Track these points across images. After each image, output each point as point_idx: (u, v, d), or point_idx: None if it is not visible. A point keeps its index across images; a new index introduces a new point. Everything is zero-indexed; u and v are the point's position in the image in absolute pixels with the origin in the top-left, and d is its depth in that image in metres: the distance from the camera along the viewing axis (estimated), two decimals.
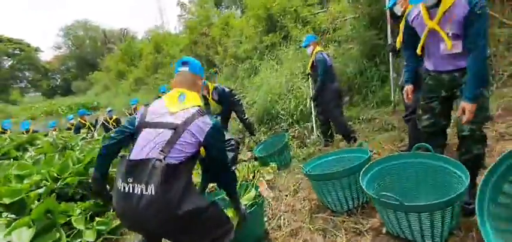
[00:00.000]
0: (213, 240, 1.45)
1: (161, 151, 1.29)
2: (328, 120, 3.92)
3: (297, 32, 7.15)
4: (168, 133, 1.34)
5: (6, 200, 2.58)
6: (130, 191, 1.25)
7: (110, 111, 7.69)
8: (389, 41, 3.91)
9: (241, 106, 4.85)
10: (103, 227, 2.50)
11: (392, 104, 4.36)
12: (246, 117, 4.85)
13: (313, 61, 3.77)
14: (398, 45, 2.78)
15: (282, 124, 5.12)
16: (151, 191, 1.22)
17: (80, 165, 3.02)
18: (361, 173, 1.94)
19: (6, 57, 29.57)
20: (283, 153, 3.78)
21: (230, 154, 3.20)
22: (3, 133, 7.62)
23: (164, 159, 1.28)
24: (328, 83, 3.68)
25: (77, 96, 27.61)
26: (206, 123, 1.40)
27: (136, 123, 1.46)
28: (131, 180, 1.26)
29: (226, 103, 4.66)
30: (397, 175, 2.02)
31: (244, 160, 3.47)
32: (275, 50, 7.93)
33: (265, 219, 2.45)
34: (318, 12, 7.92)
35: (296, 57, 6.41)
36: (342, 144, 3.83)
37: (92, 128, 7.01)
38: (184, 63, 1.61)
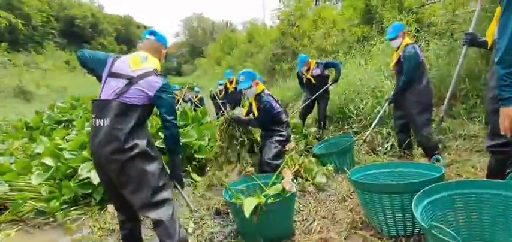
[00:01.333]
0: (148, 198, 1.56)
1: (117, 94, 1.56)
2: (408, 127, 3.19)
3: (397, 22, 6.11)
4: (124, 82, 1.59)
5: None
6: (96, 125, 1.54)
7: (197, 90, 8.60)
8: (472, 27, 2.38)
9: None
10: None
11: None
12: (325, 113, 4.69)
13: (400, 55, 3.07)
14: (489, 38, 1.78)
15: (354, 125, 4.52)
16: (105, 122, 1.51)
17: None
18: (420, 193, 1.45)
19: (140, 40, 37.46)
20: (345, 155, 3.35)
21: (276, 148, 2.97)
22: None
23: (117, 98, 1.55)
24: (416, 83, 2.96)
25: (184, 77, 32.40)
26: (157, 81, 1.62)
27: (105, 69, 1.69)
28: (95, 116, 1.56)
29: (323, 82, 4.56)
30: (476, 207, 1.41)
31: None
32: (367, 43, 7.08)
33: (295, 219, 2.19)
34: (430, 3, 6.57)
35: (386, 51, 5.52)
36: (423, 160, 3.06)
37: (182, 102, 8.04)
38: (152, 33, 1.84)
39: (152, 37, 1.82)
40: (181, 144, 1.87)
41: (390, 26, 3.29)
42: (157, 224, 1.56)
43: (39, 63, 16.95)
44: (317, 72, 4.57)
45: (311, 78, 4.60)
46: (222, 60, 19.70)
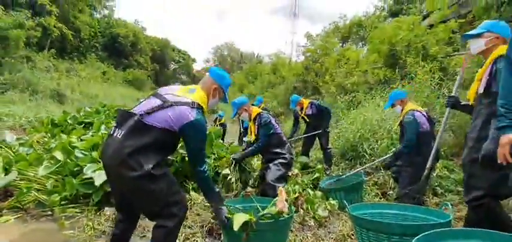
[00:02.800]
0: (157, 212, 1.56)
1: (144, 111, 1.52)
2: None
3: (418, 70, 5.97)
4: (158, 102, 1.57)
5: None
6: (113, 133, 1.54)
7: (220, 115, 8.82)
8: (454, 90, 2.33)
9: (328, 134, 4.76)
10: None
11: None
12: (329, 147, 4.71)
13: (401, 121, 2.98)
14: (471, 97, 1.89)
15: (366, 165, 4.31)
16: (120, 134, 1.49)
17: None
18: (420, 236, 1.32)
19: (173, 62, 39.59)
20: (354, 193, 3.21)
21: (280, 171, 2.91)
22: None
23: (141, 116, 1.49)
24: (413, 155, 2.78)
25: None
26: (188, 114, 1.53)
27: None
28: (116, 125, 1.56)
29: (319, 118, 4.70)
30: None
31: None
32: (388, 86, 6.96)
33: None
34: (455, 54, 6.41)
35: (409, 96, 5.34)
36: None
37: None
38: (208, 70, 1.93)
39: (207, 73, 1.86)
40: (211, 181, 1.80)
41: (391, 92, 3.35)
42: (157, 226, 1.58)
43: (78, 71, 18.43)
44: (309, 111, 4.75)
45: (305, 117, 4.80)
46: (245, 88, 20.21)
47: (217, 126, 8.16)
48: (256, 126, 3.06)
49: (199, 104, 1.61)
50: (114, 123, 1.60)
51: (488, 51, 1.81)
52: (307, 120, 4.82)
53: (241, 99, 3.24)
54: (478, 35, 1.89)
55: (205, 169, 1.66)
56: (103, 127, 4.39)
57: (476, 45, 1.91)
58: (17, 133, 6.12)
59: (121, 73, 25.93)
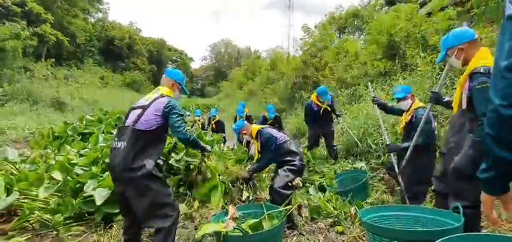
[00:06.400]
0: (152, 211, 1.86)
1: (133, 121, 1.93)
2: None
3: (419, 61, 5.91)
4: (138, 111, 1.97)
5: (107, 160, 3.27)
6: (115, 146, 1.91)
7: (212, 114, 8.33)
8: (438, 87, 2.34)
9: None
10: None
11: None
12: (334, 144, 4.81)
13: (411, 116, 2.87)
14: (455, 105, 1.91)
15: (372, 161, 4.29)
16: (123, 145, 1.86)
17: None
18: None
19: (170, 62, 39.46)
20: (362, 192, 3.29)
21: (288, 177, 2.87)
22: None
23: (133, 125, 1.90)
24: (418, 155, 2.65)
25: (207, 98, 33.32)
26: (164, 101, 2.01)
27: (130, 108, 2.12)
28: (117, 139, 1.93)
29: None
30: None
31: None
32: (389, 78, 6.89)
33: None
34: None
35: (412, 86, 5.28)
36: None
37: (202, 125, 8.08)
38: (165, 72, 2.38)
39: (165, 75, 2.35)
40: (191, 136, 2.19)
41: (398, 86, 3.27)
42: (156, 232, 1.87)
43: (77, 77, 18.37)
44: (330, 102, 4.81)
45: (327, 107, 4.76)
46: (244, 84, 20.11)
47: (212, 126, 7.91)
48: (259, 143, 3.06)
49: (166, 94, 2.10)
50: (115, 138, 1.95)
51: (468, 58, 1.80)
52: (328, 110, 4.83)
53: (239, 123, 3.36)
54: (446, 56, 1.95)
55: (186, 133, 2.06)
56: (101, 139, 4.35)
57: (453, 63, 1.96)
58: (20, 146, 6.12)
59: (119, 76, 25.86)
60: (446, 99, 2.30)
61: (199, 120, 8.06)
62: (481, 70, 1.63)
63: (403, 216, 1.99)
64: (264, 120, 6.22)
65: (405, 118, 2.94)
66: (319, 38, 11.91)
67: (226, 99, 23.83)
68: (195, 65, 47.92)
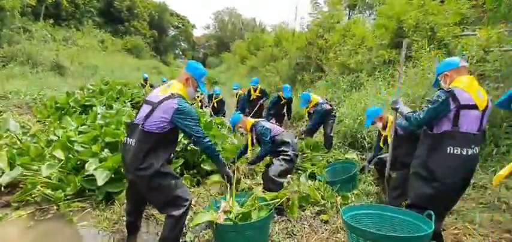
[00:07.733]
0: (167, 204, 1.94)
1: (142, 119, 1.89)
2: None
3: (425, 54, 5.80)
4: (148, 108, 1.91)
5: (107, 139, 3.35)
6: (126, 142, 1.94)
7: (216, 92, 8.13)
8: (396, 95, 2.62)
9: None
10: None
11: None
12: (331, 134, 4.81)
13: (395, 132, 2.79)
14: None
15: (364, 153, 4.38)
16: (132, 143, 1.88)
17: None
18: None
19: (172, 28, 38.50)
20: (349, 183, 3.41)
21: (282, 166, 3.00)
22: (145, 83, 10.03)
23: (142, 125, 1.87)
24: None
25: (208, 69, 32.90)
26: (173, 103, 1.89)
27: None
28: (127, 135, 1.97)
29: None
30: None
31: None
32: (392, 67, 6.82)
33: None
34: (463, 35, 6.16)
35: (409, 81, 5.27)
36: None
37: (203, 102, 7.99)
38: (187, 64, 2.18)
39: (184, 68, 2.19)
40: (215, 149, 2.21)
41: (366, 110, 3.42)
42: (168, 217, 1.95)
43: (76, 40, 18.00)
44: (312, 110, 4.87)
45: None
46: (247, 59, 19.78)
47: (214, 104, 7.87)
48: (254, 136, 3.17)
49: (178, 93, 1.96)
50: (125, 134, 2.02)
51: (451, 82, 2.08)
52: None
53: (235, 117, 3.47)
54: (438, 81, 2.23)
55: (207, 140, 2.05)
56: (100, 115, 4.42)
57: (443, 87, 2.18)
58: (22, 111, 6.18)
59: (119, 41, 25.31)
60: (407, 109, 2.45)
61: (199, 97, 7.79)
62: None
63: (379, 215, 2.10)
64: (279, 99, 6.26)
65: (388, 134, 2.96)
66: (327, 15, 11.52)
67: (228, 71, 23.56)
68: (197, 33, 46.73)
